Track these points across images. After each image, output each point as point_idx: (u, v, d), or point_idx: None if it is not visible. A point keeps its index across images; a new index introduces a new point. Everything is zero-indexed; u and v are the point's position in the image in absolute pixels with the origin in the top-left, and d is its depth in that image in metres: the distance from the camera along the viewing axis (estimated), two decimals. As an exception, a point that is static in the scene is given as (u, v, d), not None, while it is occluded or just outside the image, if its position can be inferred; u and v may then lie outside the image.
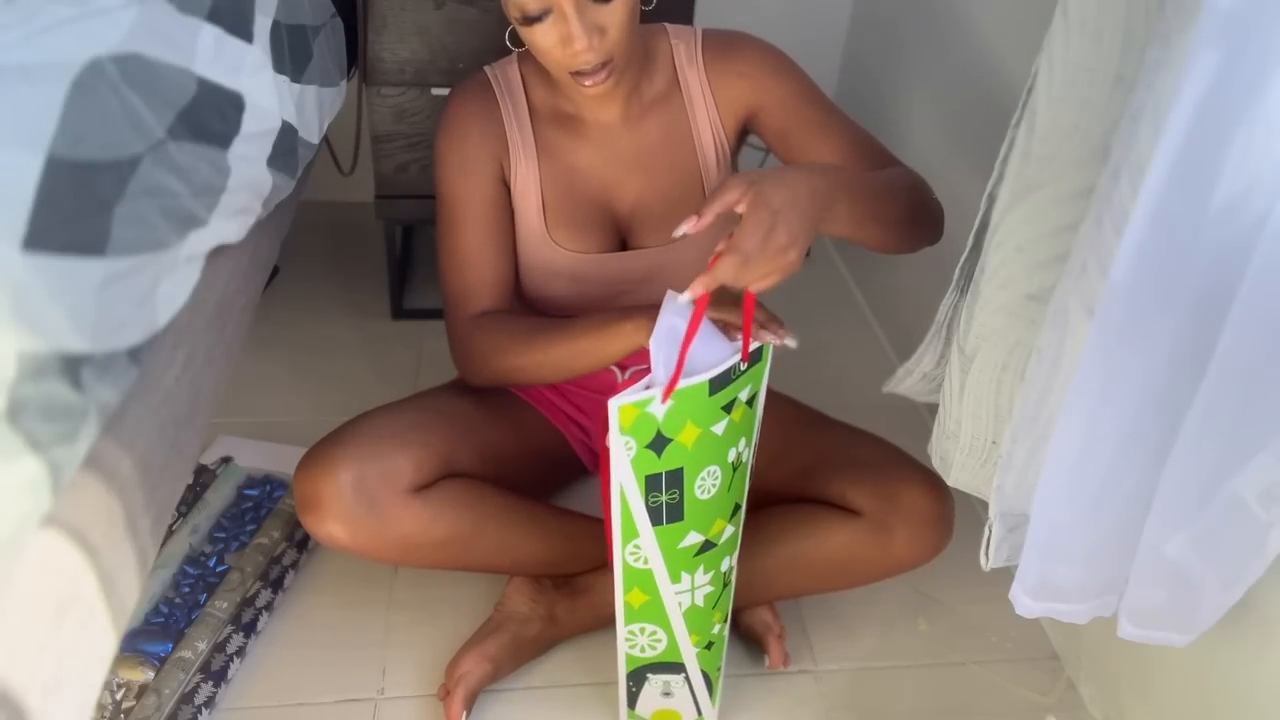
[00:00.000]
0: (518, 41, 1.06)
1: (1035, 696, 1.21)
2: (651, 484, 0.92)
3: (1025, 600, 0.93)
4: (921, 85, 1.70)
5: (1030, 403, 0.84)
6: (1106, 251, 0.72)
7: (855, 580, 1.15)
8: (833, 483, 1.14)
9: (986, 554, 0.95)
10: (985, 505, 0.94)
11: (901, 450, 1.16)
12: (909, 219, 1.02)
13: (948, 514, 1.11)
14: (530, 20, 0.97)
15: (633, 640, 1.04)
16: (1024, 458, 0.88)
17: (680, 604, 1.01)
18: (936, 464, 1.03)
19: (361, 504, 1.03)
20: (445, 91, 1.52)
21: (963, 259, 0.96)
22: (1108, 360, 0.76)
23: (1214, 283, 0.72)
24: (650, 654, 1.05)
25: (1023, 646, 1.27)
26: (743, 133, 1.18)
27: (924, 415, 1.60)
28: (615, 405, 0.86)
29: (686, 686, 1.08)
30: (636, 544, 0.96)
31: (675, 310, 0.89)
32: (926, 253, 1.75)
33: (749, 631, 1.23)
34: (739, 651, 1.23)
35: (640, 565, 0.97)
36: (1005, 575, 0.94)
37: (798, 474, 1.17)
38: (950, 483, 1.02)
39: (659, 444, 0.90)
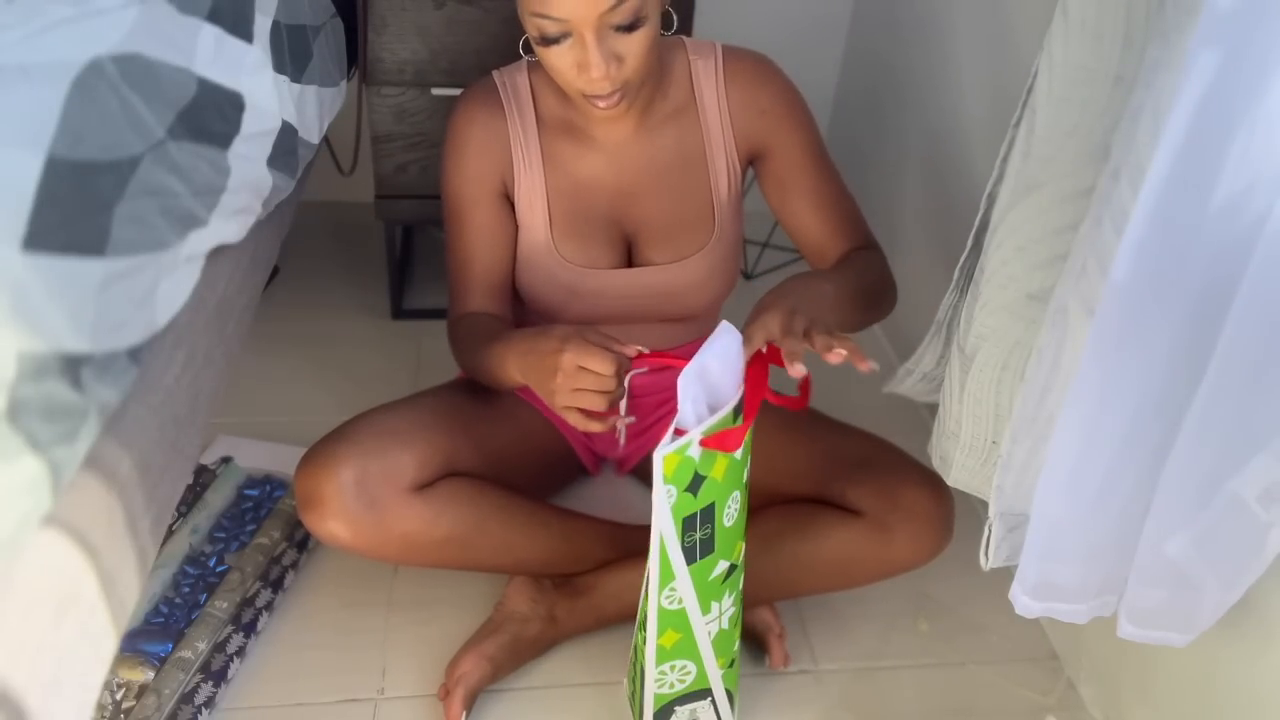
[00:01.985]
0: (530, 49, 1.04)
1: (1035, 696, 1.21)
2: (688, 525, 0.91)
3: (1025, 600, 0.93)
4: (924, 82, 1.70)
5: (1030, 403, 0.84)
6: (1106, 251, 0.72)
7: (856, 580, 1.15)
8: (833, 483, 1.14)
9: (986, 554, 0.95)
10: (985, 505, 0.94)
11: (902, 450, 1.16)
12: (868, 318, 1.08)
13: (948, 514, 1.11)
14: (548, 41, 0.97)
15: (662, 679, 1.02)
16: (1024, 458, 0.88)
17: (710, 632, 1.00)
18: (936, 464, 1.03)
19: (363, 502, 1.03)
20: (445, 92, 1.52)
21: (963, 259, 0.96)
22: (1107, 360, 0.76)
23: (1214, 282, 0.72)
24: (679, 688, 1.03)
25: (1023, 646, 1.27)
26: (749, 164, 1.17)
27: (924, 415, 1.59)
28: (660, 456, 0.85)
29: (712, 709, 1.07)
30: (672, 587, 0.94)
31: (714, 352, 0.86)
32: (926, 252, 1.75)
33: (749, 631, 1.23)
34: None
35: (674, 607, 0.96)
36: (1005, 575, 0.94)
37: (798, 474, 1.17)
38: (950, 483, 1.02)
39: (695, 484, 0.89)
